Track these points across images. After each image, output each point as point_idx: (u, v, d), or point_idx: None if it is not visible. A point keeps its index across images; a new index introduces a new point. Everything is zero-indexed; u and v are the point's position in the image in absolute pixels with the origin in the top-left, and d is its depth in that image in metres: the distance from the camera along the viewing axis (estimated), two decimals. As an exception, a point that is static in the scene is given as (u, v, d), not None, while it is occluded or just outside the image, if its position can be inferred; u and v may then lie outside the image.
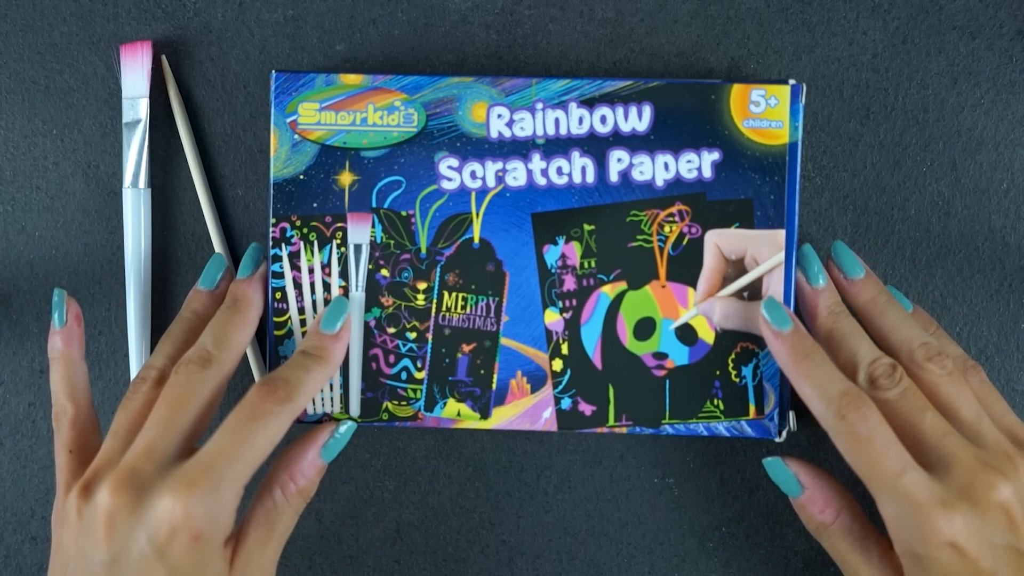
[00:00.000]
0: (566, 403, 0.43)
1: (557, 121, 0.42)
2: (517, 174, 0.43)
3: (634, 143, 0.42)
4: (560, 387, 0.43)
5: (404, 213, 0.43)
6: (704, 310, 0.43)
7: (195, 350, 0.39)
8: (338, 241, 0.43)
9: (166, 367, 0.40)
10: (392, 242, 0.43)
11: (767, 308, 0.41)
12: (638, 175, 0.43)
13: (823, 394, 0.38)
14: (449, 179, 0.43)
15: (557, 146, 0.43)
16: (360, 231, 0.43)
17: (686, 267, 0.43)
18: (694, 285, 0.43)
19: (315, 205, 0.43)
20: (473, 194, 0.43)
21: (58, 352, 0.41)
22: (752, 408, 0.43)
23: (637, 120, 0.42)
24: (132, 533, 0.35)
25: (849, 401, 0.37)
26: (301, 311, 0.43)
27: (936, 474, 0.36)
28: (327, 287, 0.43)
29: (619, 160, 0.42)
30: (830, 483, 0.40)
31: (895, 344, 0.40)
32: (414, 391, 0.43)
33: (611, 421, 0.43)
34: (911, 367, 0.39)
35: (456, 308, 0.43)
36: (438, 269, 0.43)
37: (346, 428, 0.41)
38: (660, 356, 0.43)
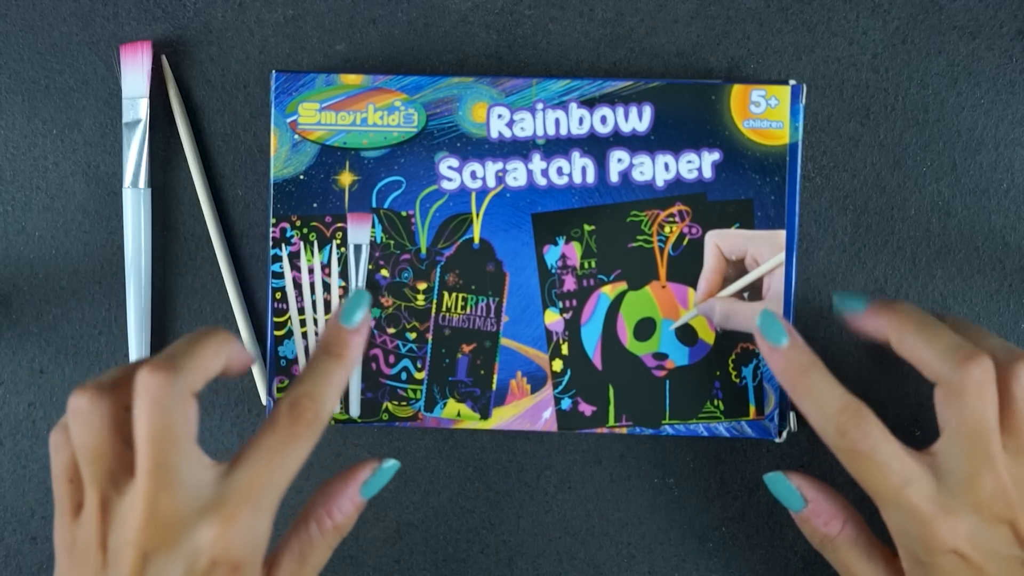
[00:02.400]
0: (566, 403, 0.43)
1: (557, 121, 0.42)
2: (517, 174, 0.43)
3: (634, 143, 0.42)
4: (560, 387, 0.43)
5: (404, 213, 0.43)
6: (704, 310, 0.43)
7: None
8: (338, 241, 0.43)
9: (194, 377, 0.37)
10: (392, 242, 0.43)
11: (762, 322, 0.40)
12: (638, 175, 0.43)
13: (822, 410, 0.38)
14: (449, 179, 0.43)
15: (557, 146, 0.43)
16: (360, 231, 0.43)
17: (686, 267, 0.43)
18: (694, 285, 0.43)
19: (315, 205, 0.43)
20: (473, 194, 0.43)
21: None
22: (752, 408, 0.43)
23: (637, 120, 0.42)
24: (168, 565, 0.35)
25: (849, 417, 0.37)
26: (301, 311, 0.43)
27: (944, 484, 0.36)
28: (327, 287, 0.43)
29: (619, 160, 0.42)
30: (832, 495, 0.40)
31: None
32: (414, 391, 0.43)
33: (611, 421, 0.43)
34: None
35: (456, 308, 0.43)
36: (438, 269, 0.43)
37: (389, 467, 0.40)
38: (660, 356, 0.43)
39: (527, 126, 0.43)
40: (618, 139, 0.42)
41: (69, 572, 0.37)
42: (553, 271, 0.43)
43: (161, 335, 0.46)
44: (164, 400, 0.35)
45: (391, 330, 0.43)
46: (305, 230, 0.43)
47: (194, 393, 0.36)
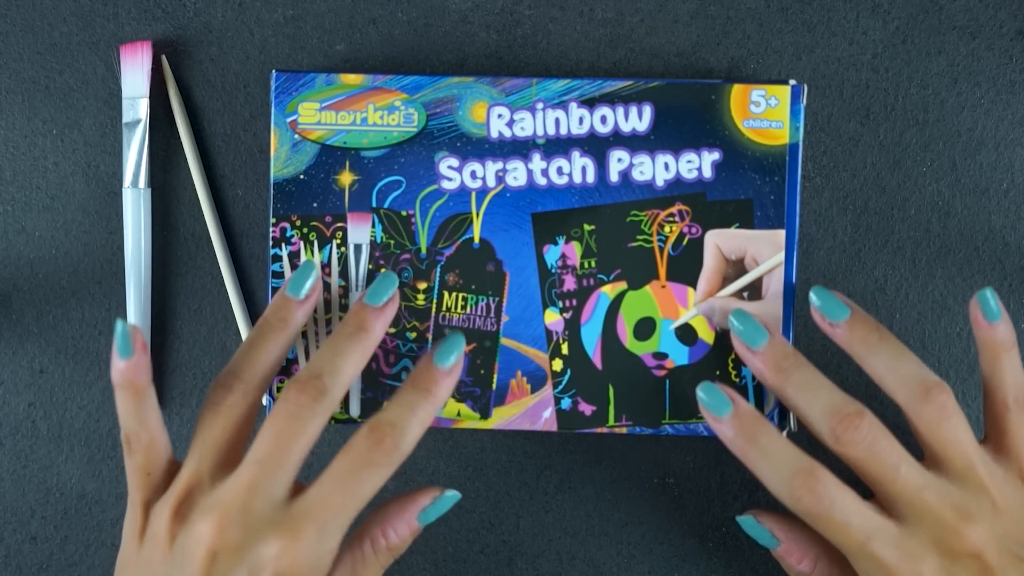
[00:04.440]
0: (566, 403, 0.43)
1: (557, 121, 0.42)
2: (517, 174, 0.43)
3: (634, 143, 0.42)
4: (560, 387, 0.43)
5: (404, 213, 0.43)
6: (704, 310, 0.43)
7: (309, 376, 0.38)
8: (338, 241, 0.43)
9: (252, 378, 0.39)
10: (392, 242, 0.43)
11: (703, 392, 0.40)
12: (638, 175, 0.43)
13: (774, 476, 0.38)
14: (449, 179, 0.43)
15: (557, 146, 0.43)
16: (360, 231, 0.43)
17: (686, 267, 0.43)
18: (694, 285, 0.43)
19: (315, 205, 0.43)
20: (473, 194, 0.43)
21: (125, 381, 0.38)
22: (752, 408, 0.43)
23: (637, 120, 0.42)
24: (231, 571, 0.35)
25: (801, 482, 0.37)
26: (301, 311, 0.43)
27: (908, 525, 0.37)
28: (327, 287, 0.43)
29: (619, 160, 0.42)
30: (804, 534, 0.40)
31: (891, 387, 0.39)
32: (414, 391, 0.43)
33: (611, 421, 0.43)
34: (908, 408, 0.38)
35: (456, 308, 0.43)
36: (438, 269, 0.43)
37: (449, 496, 0.40)
38: (660, 356, 0.43)
39: (527, 126, 0.43)
40: (618, 139, 0.42)
41: (128, 557, 0.38)
42: (553, 271, 0.43)
43: (161, 335, 0.46)
44: (310, 417, 0.37)
45: (391, 330, 0.43)
46: (305, 230, 0.43)
47: (332, 412, 0.38)
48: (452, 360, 0.40)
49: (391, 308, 0.40)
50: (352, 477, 0.36)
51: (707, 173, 0.42)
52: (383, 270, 0.42)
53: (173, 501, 0.37)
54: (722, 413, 0.39)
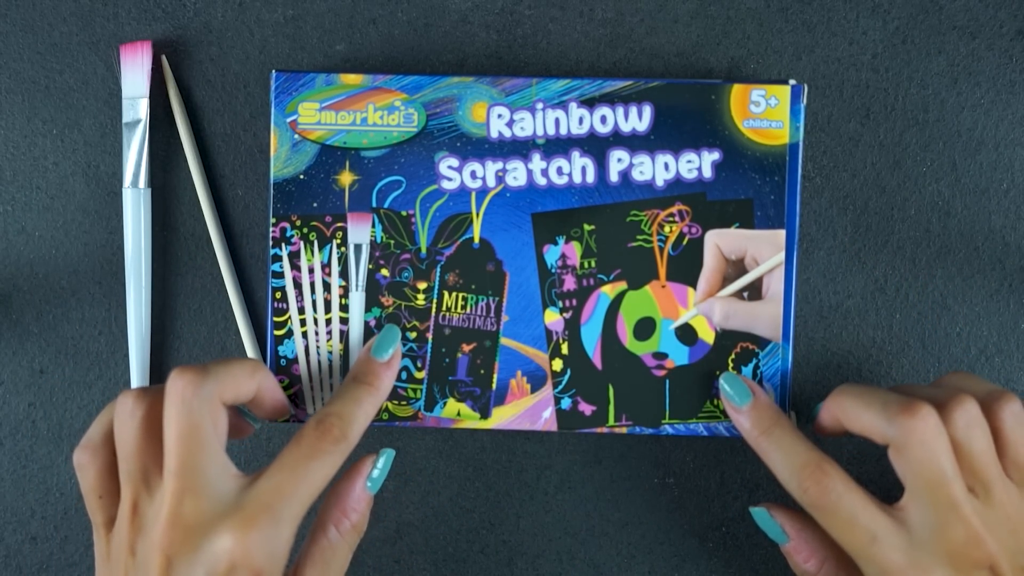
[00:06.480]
0: (566, 403, 0.43)
1: (557, 121, 0.42)
2: (517, 174, 0.43)
3: (634, 143, 0.42)
4: (560, 387, 0.43)
5: (404, 213, 0.43)
6: (704, 310, 0.43)
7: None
8: (338, 241, 0.43)
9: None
10: (392, 242, 0.43)
11: (726, 382, 0.41)
12: (638, 175, 0.43)
13: (784, 468, 0.38)
14: (449, 179, 0.43)
15: (557, 146, 0.43)
16: (360, 231, 0.43)
17: (686, 267, 0.43)
18: (694, 285, 0.43)
19: (315, 205, 0.43)
20: (473, 194, 0.43)
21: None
22: (752, 408, 0.43)
23: (637, 120, 0.42)
24: (190, 571, 0.35)
25: (808, 474, 0.37)
26: (301, 311, 0.43)
27: (915, 537, 0.36)
28: (327, 287, 0.43)
29: (619, 160, 0.42)
30: (815, 533, 0.40)
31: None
32: (414, 391, 0.43)
33: (611, 421, 0.43)
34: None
35: (456, 308, 0.43)
36: (438, 269, 0.43)
37: (386, 457, 0.40)
38: (660, 356, 0.43)
39: (527, 126, 0.43)
40: (618, 139, 0.42)
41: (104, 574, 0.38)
42: (553, 271, 0.43)
43: (161, 335, 0.46)
44: (191, 400, 0.36)
45: (391, 330, 0.43)
46: (305, 230, 0.43)
47: (223, 401, 0.37)
48: (389, 352, 0.41)
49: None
50: (301, 465, 0.37)
51: (707, 173, 0.42)
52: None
53: (128, 513, 0.36)
54: (742, 403, 0.41)
